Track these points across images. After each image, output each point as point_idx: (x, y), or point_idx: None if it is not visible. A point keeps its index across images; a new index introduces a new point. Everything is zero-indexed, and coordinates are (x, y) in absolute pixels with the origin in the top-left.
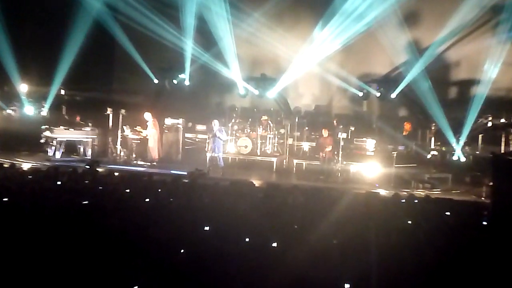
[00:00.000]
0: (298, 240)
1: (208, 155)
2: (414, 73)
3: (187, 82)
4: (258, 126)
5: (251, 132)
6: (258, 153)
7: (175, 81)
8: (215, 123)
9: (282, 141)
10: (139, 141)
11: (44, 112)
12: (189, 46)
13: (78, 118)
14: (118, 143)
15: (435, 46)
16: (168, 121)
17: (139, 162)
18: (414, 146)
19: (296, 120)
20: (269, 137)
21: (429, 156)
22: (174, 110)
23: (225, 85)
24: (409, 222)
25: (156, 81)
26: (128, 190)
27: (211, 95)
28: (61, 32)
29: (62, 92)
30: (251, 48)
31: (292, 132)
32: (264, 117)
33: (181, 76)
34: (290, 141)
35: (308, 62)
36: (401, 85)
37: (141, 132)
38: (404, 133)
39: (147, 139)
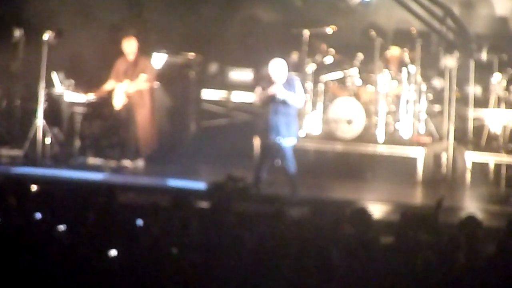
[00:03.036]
0: None
1: (263, 151)
2: None
3: None
4: (379, 70)
5: (361, 86)
6: (380, 138)
7: None
8: (277, 67)
9: (438, 108)
10: (92, 111)
11: None
12: None
13: None
14: (40, 113)
15: None
16: (161, 57)
17: (97, 162)
18: None
19: (484, 56)
20: (407, 100)
21: None
22: (176, 33)
23: None
24: None
25: None
26: (62, 228)
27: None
28: None
29: None
30: None
31: (462, 87)
32: (394, 50)
33: None
34: (459, 107)
35: None
36: None
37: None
38: None
39: (130, 103)
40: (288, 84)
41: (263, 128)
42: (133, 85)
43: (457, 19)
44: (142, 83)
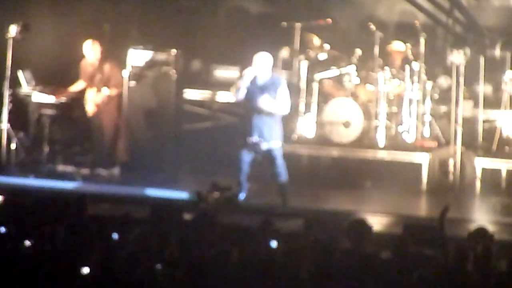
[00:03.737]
0: None
1: (246, 155)
2: None
3: None
4: (379, 67)
5: (359, 85)
6: (380, 143)
7: None
8: (261, 62)
9: (445, 109)
10: (62, 113)
11: None
12: None
13: None
14: (4, 116)
15: None
16: (138, 54)
17: (68, 169)
18: None
19: (498, 52)
20: (410, 100)
21: None
22: (154, 27)
23: None
24: None
25: None
26: (29, 243)
27: None
28: None
29: None
30: None
31: (471, 86)
32: (396, 45)
33: None
34: (467, 108)
35: None
36: None
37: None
38: None
39: (103, 106)
40: (272, 85)
41: (245, 130)
42: (99, 95)
43: (466, 10)
44: (111, 89)
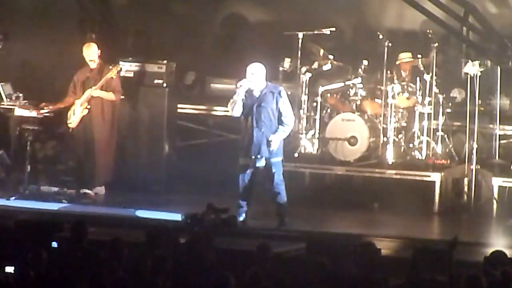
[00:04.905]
0: None
1: (245, 174)
2: None
3: None
4: (387, 80)
5: (366, 99)
6: (389, 160)
7: None
8: (253, 73)
9: (458, 124)
10: (45, 129)
11: None
12: None
13: None
14: None
15: None
16: (128, 66)
17: (52, 190)
18: None
19: None
20: (421, 114)
21: None
22: (145, 37)
23: None
24: None
25: None
26: (10, 269)
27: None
28: None
29: None
30: None
31: (486, 99)
32: (406, 55)
33: None
34: (483, 123)
35: None
36: None
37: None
38: None
39: (90, 120)
40: (270, 95)
41: (244, 147)
42: (97, 92)
43: (482, 18)
44: (107, 93)
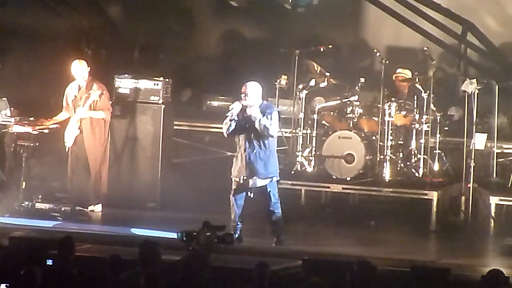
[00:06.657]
0: None
1: (239, 196)
2: None
3: None
4: (384, 97)
5: (363, 117)
6: (385, 178)
7: None
8: (248, 92)
9: (455, 142)
10: (41, 145)
11: None
12: None
13: None
14: None
15: None
16: (123, 82)
17: (47, 207)
18: None
19: None
20: (418, 131)
21: None
22: (141, 53)
23: None
24: None
25: None
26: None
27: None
28: None
29: None
30: None
31: (484, 117)
32: (403, 73)
33: None
34: (480, 141)
35: None
36: None
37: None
38: None
39: (85, 137)
40: (265, 114)
41: (238, 166)
42: (86, 112)
43: (481, 35)
44: (96, 112)
